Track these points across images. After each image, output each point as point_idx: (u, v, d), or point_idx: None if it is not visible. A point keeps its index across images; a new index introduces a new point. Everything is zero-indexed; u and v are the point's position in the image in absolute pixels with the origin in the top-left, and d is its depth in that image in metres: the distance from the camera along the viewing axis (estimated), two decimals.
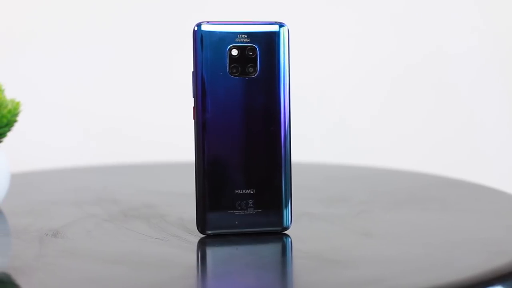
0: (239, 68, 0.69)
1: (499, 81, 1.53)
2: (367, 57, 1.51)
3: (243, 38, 0.69)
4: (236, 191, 0.70)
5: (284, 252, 0.70)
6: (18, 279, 0.61)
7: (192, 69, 0.69)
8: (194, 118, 0.69)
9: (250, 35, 0.69)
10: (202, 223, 0.70)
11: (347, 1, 1.50)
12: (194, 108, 0.69)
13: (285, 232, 0.71)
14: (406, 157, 1.51)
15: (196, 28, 0.69)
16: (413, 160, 1.49)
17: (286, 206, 0.71)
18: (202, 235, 0.71)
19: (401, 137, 1.53)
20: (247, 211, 0.70)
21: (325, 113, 1.51)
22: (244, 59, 0.69)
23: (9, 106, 0.86)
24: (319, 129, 1.50)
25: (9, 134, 0.88)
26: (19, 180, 1.02)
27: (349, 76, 1.51)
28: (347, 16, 1.50)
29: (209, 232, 0.70)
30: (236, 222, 0.70)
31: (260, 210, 0.70)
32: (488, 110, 1.53)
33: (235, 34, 0.69)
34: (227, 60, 0.69)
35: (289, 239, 0.70)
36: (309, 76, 1.45)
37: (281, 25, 0.70)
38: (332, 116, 1.51)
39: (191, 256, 0.67)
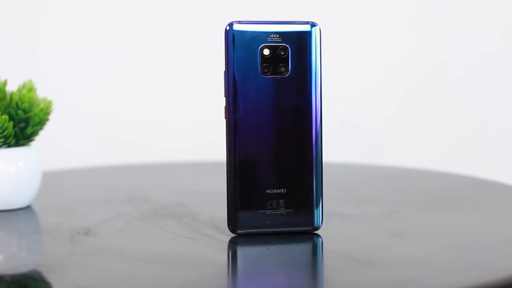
0: (271, 68, 0.69)
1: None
2: (386, 59, 1.50)
3: (275, 37, 0.69)
4: (267, 191, 0.70)
5: (315, 252, 0.69)
6: (50, 276, 0.62)
7: (223, 69, 0.69)
8: (225, 118, 0.69)
9: (282, 34, 0.69)
10: (233, 223, 0.70)
11: (370, 4, 1.50)
12: (225, 107, 0.69)
13: (316, 232, 0.71)
14: (421, 158, 1.50)
15: (228, 28, 0.69)
16: (426, 161, 1.48)
17: (317, 206, 0.70)
18: (233, 235, 0.71)
19: (415, 137, 1.52)
20: (278, 211, 0.70)
21: (334, 113, 1.50)
22: (276, 58, 0.69)
23: (41, 105, 0.87)
24: (329, 128, 1.50)
25: (41, 132, 0.88)
26: (50, 179, 1.03)
27: (363, 79, 1.50)
28: (368, 18, 1.50)
29: (240, 231, 0.70)
30: (267, 222, 0.70)
31: (291, 210, 0.70)
32: (502, 113, 1.52)
33: (267, 33, 0.69)
34: (258, 60, 0.69)
35: (320, 239, 0.70)
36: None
37: (313, 24, 0.70)
38: (343, 116, 1.51)
39: (222, 256, 0.67)
